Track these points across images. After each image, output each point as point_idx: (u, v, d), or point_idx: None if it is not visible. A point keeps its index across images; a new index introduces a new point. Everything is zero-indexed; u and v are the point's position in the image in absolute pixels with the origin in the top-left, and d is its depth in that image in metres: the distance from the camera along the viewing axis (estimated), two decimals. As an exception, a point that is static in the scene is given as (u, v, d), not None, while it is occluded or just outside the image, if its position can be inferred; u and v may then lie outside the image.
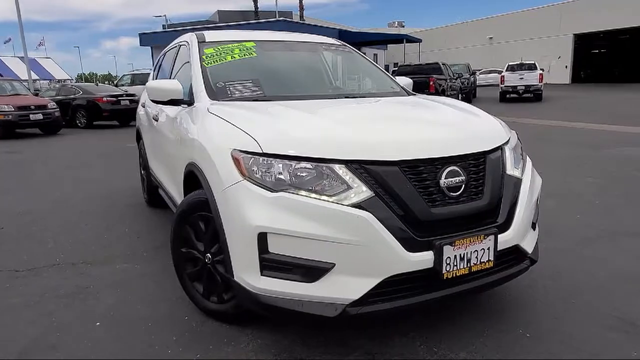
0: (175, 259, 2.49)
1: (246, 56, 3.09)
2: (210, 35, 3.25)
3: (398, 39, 27.29)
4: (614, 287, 2.62)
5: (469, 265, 1.89)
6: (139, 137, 4.76)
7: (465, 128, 2.23)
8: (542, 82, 19.17)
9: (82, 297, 2.68)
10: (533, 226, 2.26)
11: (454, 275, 1.87)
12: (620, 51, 38.62)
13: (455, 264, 1.85)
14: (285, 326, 2.27)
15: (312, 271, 1.78)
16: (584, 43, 36.88)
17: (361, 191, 1.78)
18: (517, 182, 2.14)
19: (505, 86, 19.42)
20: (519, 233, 2.06)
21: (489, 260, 1.94)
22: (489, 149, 2.08)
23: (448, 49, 44.44)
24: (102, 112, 13.72)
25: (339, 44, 3.65)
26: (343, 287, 1.77)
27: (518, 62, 20.53)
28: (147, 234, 3.79)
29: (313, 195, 1.78)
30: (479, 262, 1.92)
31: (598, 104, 16.55)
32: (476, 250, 1.90)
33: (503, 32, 40.26)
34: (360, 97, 2.95)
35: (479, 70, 31.43)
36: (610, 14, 31.72)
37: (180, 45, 3.55)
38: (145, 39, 31.26)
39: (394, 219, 1.77)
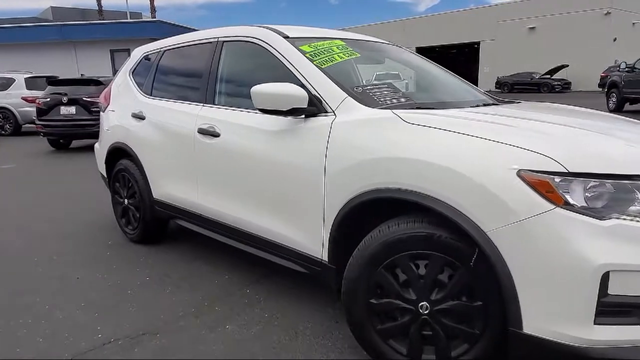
0: (357, 314, 1.94)
1: (351, 57, 2.61)
2: (289, 31, 2.66)
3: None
4: None
5: None
6: (117, 157, 3.73)
7: None
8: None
9: (210, 386, 1.92)
10: None
11: None
12: (450, 63, 44.71)
13: None
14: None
15: (655, 309, 1.51)
16: (423, 55, 41.81)
17: None
18: None
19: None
20: None
21: None
22: None
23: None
24: None
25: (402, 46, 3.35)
26: (681, 322, 1.54)
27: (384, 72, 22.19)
28: (187, 283, 2.96)
29: (641, 218, 1.51)
30: None
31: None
32: None
33: (354, 43, 43.32)
34: (496, 104, 2.69)
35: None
36: (442, 32, 36.55)
37: (232, 41, 2.84)
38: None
39: None
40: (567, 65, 28.88)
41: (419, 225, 1.80)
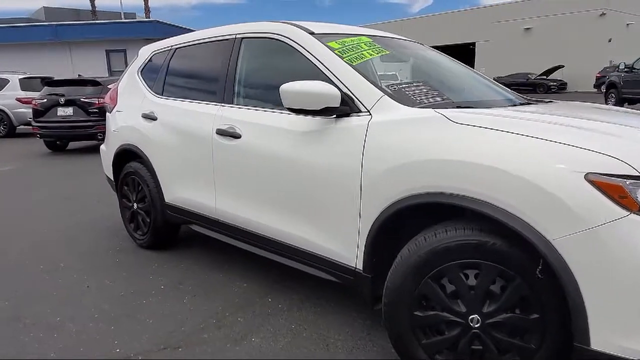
0: (400, 327, 1.82)
1: (380, 54, 2.48)
2: (314, 27, 2.53)
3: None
4: None
5: None
6: (126, 159, 3.58)
7: None
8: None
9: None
10: None
11: None
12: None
13: None
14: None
15: None
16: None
17: None
18: None
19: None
20: None
21: None
22: None
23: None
24: None
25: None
26: None
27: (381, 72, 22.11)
28: (204, 291, 2.82)
29: None
30: None
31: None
32: None
33: (350, 44, 43.22)
34: (531, 103, 2.58)
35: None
36: (439, 32, 36.59)
37: (251, 37, 2.71)
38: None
39: None
40: (563, 66, 28.96)
41: (470, 233, 1.68)
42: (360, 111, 2.07)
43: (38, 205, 4.96)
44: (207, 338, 2.28)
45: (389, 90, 2.09)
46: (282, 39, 2.49)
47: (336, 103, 2.05)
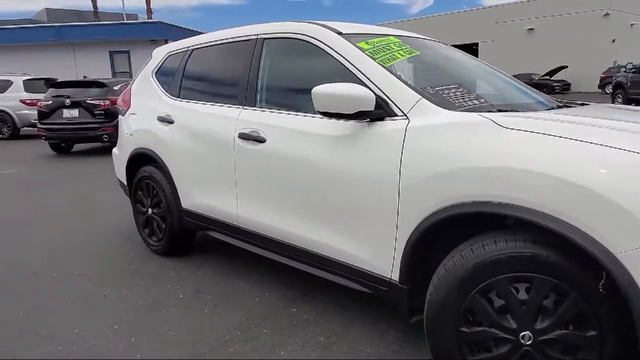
0: (444, 343, 1.73)
1: (411, 55, 2.39)
2: (341, 27, 2.43)
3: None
4: None
5: None
6: (140, 163, 3.49)
7: None
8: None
9: None
10: None
11: None
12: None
13: None
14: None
15: None
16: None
17: None
18: None
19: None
20: None
21: None
22: None
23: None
24: None
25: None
26: None
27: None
28: (224, 301, 2.72)
29: None
30: None
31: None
32: None
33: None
34: (571, 106, 2.48)
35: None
36: (441, 33, 36.50)
37: (274, 38, 2.62)
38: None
39: None
40: (567, 67, 28.88)
41: (522, 245, 1.58)
42: (395, 115, 1.97)
43: (45, 210, 4.87)
44: (233, 351, 2.18)
45: (427, 93, 1.99)
46: (308, 40, 2.40)
47: (370, 107, 1.96)
